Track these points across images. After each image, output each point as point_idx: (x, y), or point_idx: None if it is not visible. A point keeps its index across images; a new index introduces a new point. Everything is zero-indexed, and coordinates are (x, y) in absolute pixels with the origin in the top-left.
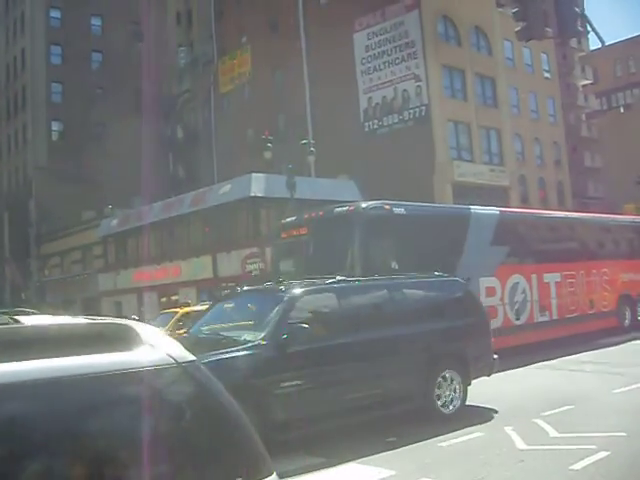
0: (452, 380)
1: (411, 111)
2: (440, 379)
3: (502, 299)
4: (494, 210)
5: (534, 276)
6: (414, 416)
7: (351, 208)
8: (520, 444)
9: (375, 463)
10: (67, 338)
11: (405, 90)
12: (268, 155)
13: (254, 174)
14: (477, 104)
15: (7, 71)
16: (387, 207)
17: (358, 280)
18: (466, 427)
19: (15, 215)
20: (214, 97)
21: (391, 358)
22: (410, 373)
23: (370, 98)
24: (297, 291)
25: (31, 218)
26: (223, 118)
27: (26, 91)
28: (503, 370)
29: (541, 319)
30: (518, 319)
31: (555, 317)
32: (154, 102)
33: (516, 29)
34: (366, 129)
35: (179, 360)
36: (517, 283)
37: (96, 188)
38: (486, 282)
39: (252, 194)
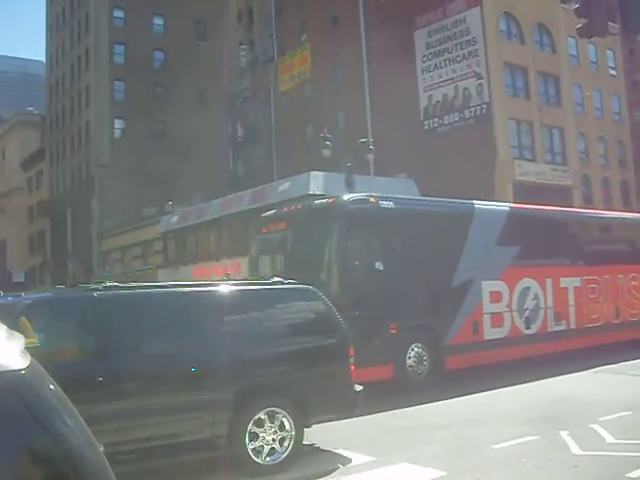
0: (277, 420)
1: (472, 109)
2: (259, 418)
3: (509, 305)
4: (503, 205)
5: (549, 280)
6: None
7: (331, 200)
8: (575, 449)
9: None
10: None
11: (466, 88)
12: (327, 153)
13: (313, 172)
14: (540, 102)
15: (72, 70)
16: (373, 200)
17: (132, 288)
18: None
19: (78, 212)
20: (274, 95)
21: (175, 391)
22: (209, 410)
23: (430, 96)
24: (27, 302)
25: (93, 215)
26: (283, 116)
27: (90, 90)
28: (560, 374)
29: (556, 328)
30: (529, 328)
31: (573, 326)
32: (215, 100)
33: (578, 26)
34: (426, 127)
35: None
36: (528, 288)
37: (157, 185)
38: (490, 286)
39: (311, 192)
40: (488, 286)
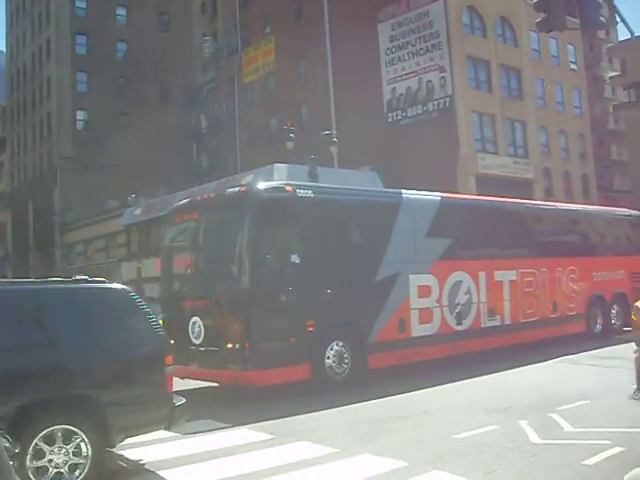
0: (71, 441)
1: (435, 102)
2: (48, 436)
3: (439, 300)
4: (434, 196)
5: (482, 274)
6: None
7: (243, 189)
8: (534, 438)
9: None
10: None
11: (429, 81)
12: (291, 145)
13: (277, 164)
14: (502, 96)
15: (33, 61)
16: (289, 188)
17: None
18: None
19: (40, 204)
20: (238, 87)
21: None
22: None
23: (394, 89)
24: None
25: (55, 207)
26: (247, 108)
27: (51, 81)
28: (521, 365)
29: (490, 324)
30: (460, 324)
31: (508, 322)
32: (178, 92)
33: (537, 20)
34: (389, 120)
35: None
36: (460, 282)
37: (120, 177)
38: (419, 280)
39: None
40: (416, 280)
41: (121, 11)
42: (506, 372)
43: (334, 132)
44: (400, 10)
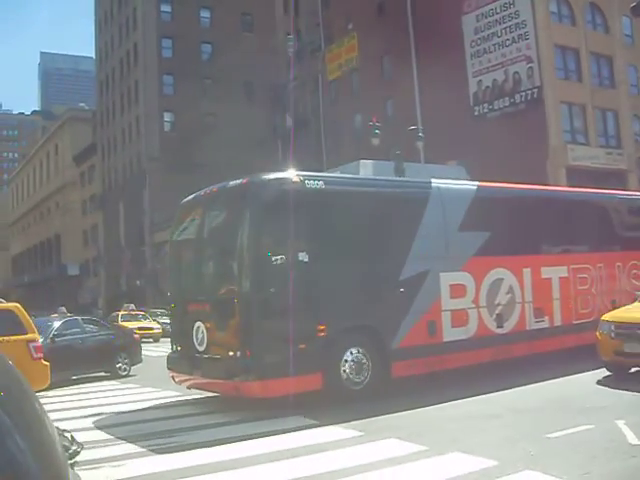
0: None
1: (523, 94)
2: None
3: (476, 301)
4: (469, 185)
5: (527, 270)
6: None
7: (244, 181)
8: (632, 439)
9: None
10: None
11: (516, 72)
12: (376, 141)
13: (362, 160)
14: (592, 85)
15: (121, 66)
16: (297, 179)
17: None
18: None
19: (130, 205)
20: (322, 84)
21: None
22: None
23: (480, 81)
24: None
25: (145, 207)
26: (331, 105)
27: (139, 84)
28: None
29: (537, 326)
30: (501, 327)
31: (559, 323)
32: (263, 91)
33: (632, 4)
34: (476, 113)
35: None
36: (500, 280)
37: (207, 177)
38: (451, 278)
39: None
40: (448, 279)
41: (205, 13)
42: (593, 372)
43: (420, 127)
44: (485, 1)
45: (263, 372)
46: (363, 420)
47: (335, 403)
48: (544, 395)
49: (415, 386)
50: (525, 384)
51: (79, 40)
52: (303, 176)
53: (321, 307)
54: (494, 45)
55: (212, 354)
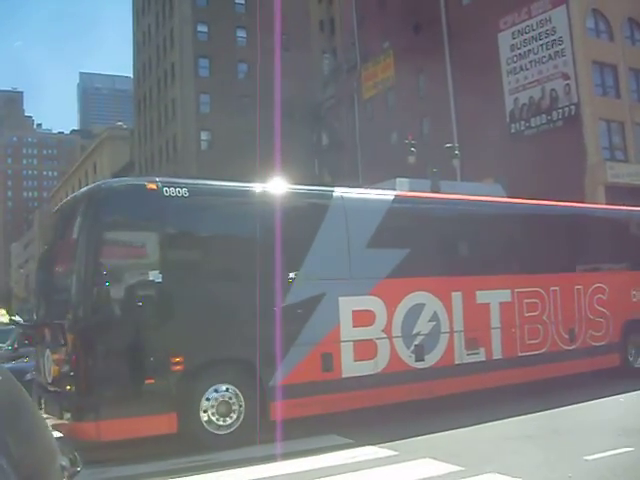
0: None
1: (560, 111)
2: None
3: (387, 330)
4: (383, 194)
5: (457, 295)
6: None
7: (90, 188)
8: None
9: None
10: None
11: (553, 89)
12: (412, 159)
13: (398, 178)
14: (632, 100)
15: (158, 85)
16: (153, 186)
17: None
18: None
19: None
20: (358, 103)
21: None
22: None
23: (516, 99)
24: None
25: None
26: (367, 123)
27: (176, 103)
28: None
29: (469, 359)
30: (421, 360)
31: (498, 356)
32: (299, 109)
33: None
34: (512, 131)
35: None
36: (421, 305)
37: None
38: (355, 304)
39: None
40: (350, 304)
41: (241, 33)
42: (630, 394)
43: (456, 145)
44: (521, 18)
45: (98, 411)
46: (398, 440)
47: (369, 422)
48: (579, 416)
49: (450, 406)
50: (560, 406)
51: (117, 60)
52: (162, 182)
53: (177, 336)
54: (530, 62)
55: (55, 387)
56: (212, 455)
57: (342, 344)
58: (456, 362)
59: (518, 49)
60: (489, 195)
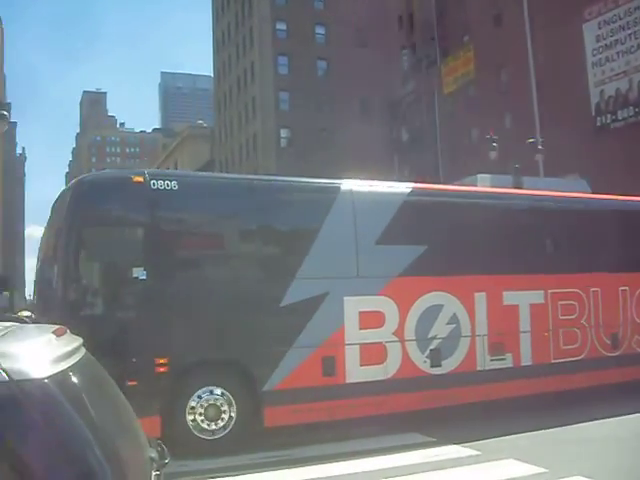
0: None
1: None
2: None
3: (399, 333)
4: (397, 187)
5: (480, 295)
6: None
7: (75, 180)
8: None
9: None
10: None
11: None
12: (494, 155)
13: (480, 174)
14: None
15: (238, 83)
16: (139, 179)
17: None
18: None
19: None
20: (438, 98)
21: None
22: None
23: (602, 91)
24: None
25: None
26: (447, 119)
27: (255, 101)
28: None
29: (493, 366)
30: (437, 365)
31: (527, 362)
32: (378, 106)
33: None
34: (598, 124)
35: (15, 377)
36: (438, 307)
37: None
38: (362, 304)
39: None
40: (357, 305)
41: (320, 30)
42: None
43: (539, 139)
44: (607, 7)
45: None
46: (480, 439)
47: (450, 421)
48: None
49: (533, 407)
50: None
51: (197, 59)
52: (150, 175)
53: (162, 335)
54: (617, 53)
55: None
56: (288, 451)
57: (347, 347)
58: (478, 368)
59: (604, 39)
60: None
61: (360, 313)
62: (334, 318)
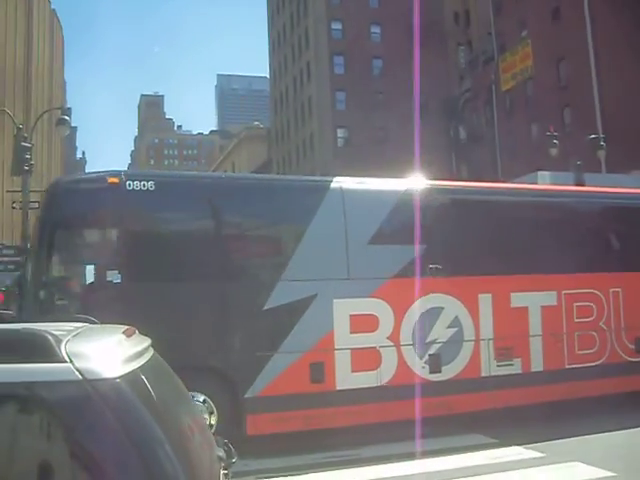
0: None
1: None
2: None
3: (394, 337)
4: (394, 184)
5: (486, 297)
6: None
7: (51, 182)
8: None
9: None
10: None
11: None
12: (554, 152)
13: (540, 172)
14: None
15: (294, 84)
16: (114, 180)
17: None
18: None
19: None
20: (496, 95)
21: None
22: None
23: None
24: None
25: None
26: (506, 115)
27: (312, 102)
28: None
29: (500, 372)
30: (436, 371)
31: (538, 368)
32: (435, 104)
33: None
34: None
35: (88, 376)
36: (438, 309)
37: None
38: (354, 307)
39: None
40: (348, 307)
41: (375, 29)
42: None
43: (601, 135)
44: None
45: None
46: (544, 441)
47: (513, 422)
48: None
49: (598, 409)
50: None
51: (252, 61)
52: (126, 176)
53: None
54: None
55: None
56: (351, 451)
57: (336, 352)
58: (483, 374)
59: None
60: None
61: (351, 316)
62: (323, 322)
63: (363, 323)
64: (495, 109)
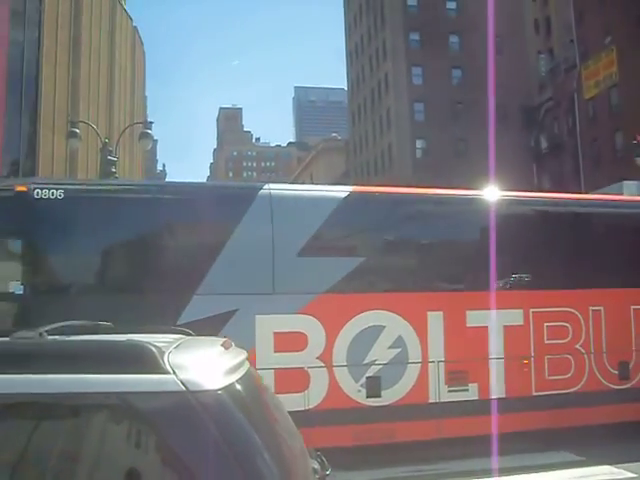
0: None
1: None
2: None
3: (325, 357)
4: (331, 190)
5: (436, 315)
6: None
7: None
8: None
9: None
10: (76, 355)
11: None
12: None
13: (625, 182)
14: None
15: (372, 95)
16: (22, 188)
17: None
18: None
19: None
20: (578, 103)
21: None
22: None
23: None
24: None
25: None
26: (588, 124)
27: (390, 113)
28: None
29: (450, 398)
30: (375, 396)
31: (499, 394)
32: (515, 113)
33: None
34: None
35: (191, 388)
36: (378, 328)
37: None
38: (279, 324)
39: None
40: (272, 324)
41: (454, 38)
42: None
43: None
44: None
45: None
46: (635, 461)
47: (601, 440)
48: None
49: None
50: None
51: (329, 73)
52: (35, 184)
53: None
54: None
55: None
56: (429, 466)
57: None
58: (430, 400)
59: None
60: None
61: (275, 334)
62: (243, 339)
63: (289, 341)
64: (577, 117)
